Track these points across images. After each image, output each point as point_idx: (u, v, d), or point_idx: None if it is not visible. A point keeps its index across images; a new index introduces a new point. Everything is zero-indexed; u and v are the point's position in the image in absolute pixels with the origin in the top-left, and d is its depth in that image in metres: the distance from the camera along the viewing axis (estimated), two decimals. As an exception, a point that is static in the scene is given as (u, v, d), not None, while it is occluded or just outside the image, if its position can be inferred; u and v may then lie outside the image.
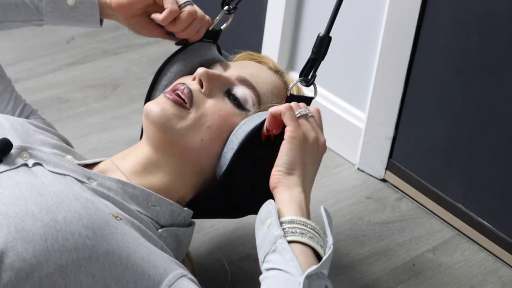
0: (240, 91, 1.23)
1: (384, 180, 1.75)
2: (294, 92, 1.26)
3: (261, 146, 1.17)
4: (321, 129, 1.18)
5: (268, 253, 1.03)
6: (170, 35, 1.30)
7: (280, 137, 1.14)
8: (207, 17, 1.29)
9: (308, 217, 1.08)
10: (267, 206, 1.07)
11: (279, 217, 1.05)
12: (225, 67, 1.27)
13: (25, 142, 1.16)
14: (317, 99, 1.39)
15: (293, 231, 1.04)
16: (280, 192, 1.09)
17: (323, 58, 1.24)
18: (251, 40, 1.95)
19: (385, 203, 1.69)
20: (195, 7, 1.26)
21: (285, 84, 1.30)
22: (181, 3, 1.25)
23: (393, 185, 1.74)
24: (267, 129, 1.16)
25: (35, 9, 1.27)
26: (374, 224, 1.62)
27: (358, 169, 1.78)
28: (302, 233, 1.04)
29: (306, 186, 1.11)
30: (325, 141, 1.16)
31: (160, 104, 1.18)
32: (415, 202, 1.70)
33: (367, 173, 1.77)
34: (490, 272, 1.54)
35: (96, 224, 1.02)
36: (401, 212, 1.67)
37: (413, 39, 1.59)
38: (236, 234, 1.54)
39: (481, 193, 1.57)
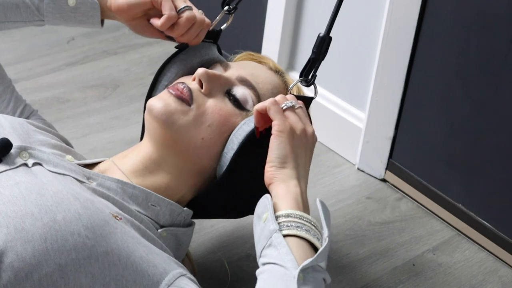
0: (240, 91, 1.23)
1: (384, 180, 1.75)
2: (294, 92, 1.25)
3: (261, 146, 1.17)
4: (310, 120, 1.18)
5: (264, 248, 1.03)
6: (170, 38, 1.29)
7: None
8: (207, 20, 1.27)
9: (306, 210, 1.08)
10: (263, 201, 1.07)
11: (275, 211, 1.05)
12: (225, 67, 1.27)
13: (25, 142, 1.16)
14: (317, 99, 1.39)
15: (289, 224, 1.04)
16: (275, 187, 1.09)
17: (323, 58, 1.23)
18: (251, 40, 1.95)
19: (385, 203, 1.69)
20: (194, 12, 1.25)
21: (285, 84, 1.30)
22: (180, 8, 1.23)
23: (393, 185, 1.74)
24: (256, 127, 1.16)
25: (36, 9, 1.27)
26: (374, 224, 1.62)
27: (358, 169, 1.78)
28: (298, 227, 1.04)
29: (301, 178, 1.11)
30: (313, 131, 1.16)
31: (163, 99, 1.18)
32: (415, 202, 1.69)
33: (367, 173, 1.77)
34: (490, 272, 1.54)
35: (95, 223, 1.02)
36: (401, 212, 1.67)
37: (413, 39, 1.59)
38: (236, 234, 1.54)
39: (481, 193, 1.57)
